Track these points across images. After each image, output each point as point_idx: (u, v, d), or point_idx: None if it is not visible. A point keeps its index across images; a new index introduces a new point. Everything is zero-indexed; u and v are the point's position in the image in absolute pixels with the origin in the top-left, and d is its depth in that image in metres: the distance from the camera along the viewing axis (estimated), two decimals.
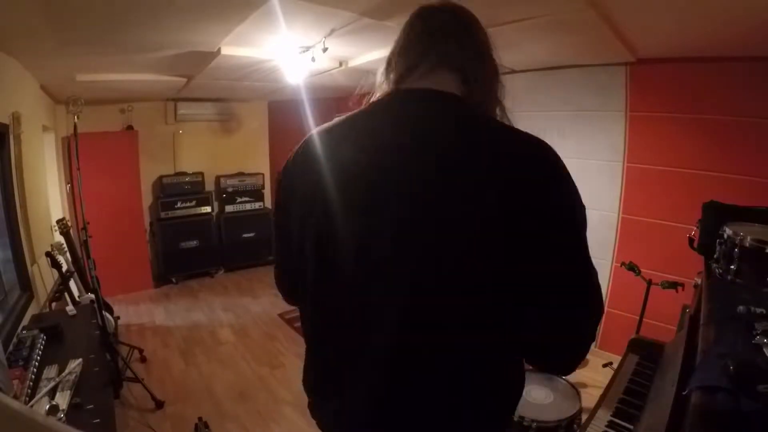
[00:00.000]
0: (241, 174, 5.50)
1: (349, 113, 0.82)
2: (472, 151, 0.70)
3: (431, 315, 0.66)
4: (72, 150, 2.68)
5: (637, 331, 2.44)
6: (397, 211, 0.66)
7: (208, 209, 5.15)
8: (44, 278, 2.77)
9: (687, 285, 2.19)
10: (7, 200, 2.40)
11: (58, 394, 1.39)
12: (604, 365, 2.90)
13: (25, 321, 2.12)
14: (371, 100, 0.85)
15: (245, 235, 5.37)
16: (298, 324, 3.79)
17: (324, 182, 0.72)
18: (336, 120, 0.82)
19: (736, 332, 0.99)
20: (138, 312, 4.17)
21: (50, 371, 1.54)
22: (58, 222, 3.01)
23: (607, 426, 1.35)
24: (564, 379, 2.04)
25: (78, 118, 2.78)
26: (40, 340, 1.77)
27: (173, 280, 4.93)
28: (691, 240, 1.69)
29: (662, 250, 2.77)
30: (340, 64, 3.30)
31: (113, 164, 4.42)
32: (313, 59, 2.61)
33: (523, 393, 2.02)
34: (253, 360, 3.25)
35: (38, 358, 1.64)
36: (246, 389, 2.87)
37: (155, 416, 2.56)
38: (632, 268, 2.52)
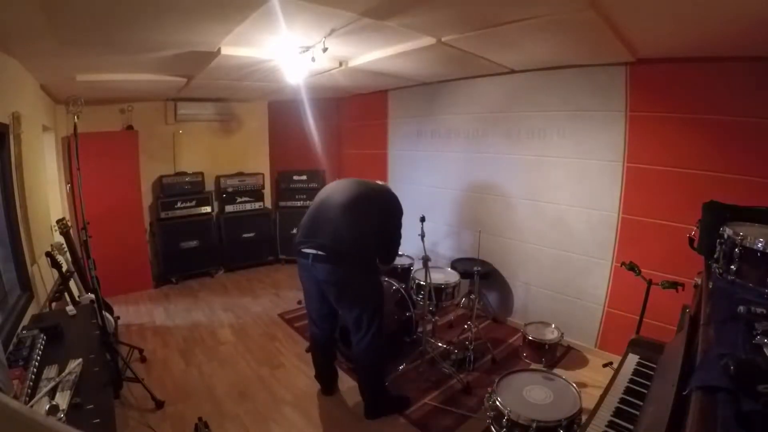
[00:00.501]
0: (241, 174, 5.50)
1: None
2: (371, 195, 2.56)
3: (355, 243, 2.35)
4: (72, 150, 2.68)
5: (637, 331, 2.45)
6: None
7: (208, 209, 5.15)
8: (44, 278, 2.78)
9: (687, 285, 2.19)
10: (7, 200, 2.40)
11: (58, 394, 1.39)
12: (604, 365, 2.90)
13: (25, 321, 2.12)
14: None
15: (245, 235, 5.38)
16: (298, 324, 3.79)
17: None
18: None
19: (737, 332, 0.99)
20: (138, 312, 4.17)
21: (50, 371, 1.54)
22: (58, 222, 3.01)
23: (607, 426, 1.35)
24: (564, 379, 2.04)
25: (78, 118, 2.78)
26: (40, 340, 1.77)
27: (173, 280, 4.93)
28: (691, 240, 1.69)
29: (662, 250, 2.77)
30: (340, 64, 3.30)
31: (113, 164, 4.42)
32: (313, 59, 2.61)
33: (523, 393, 2.02)
34: (253, 360, 3.25)
35: (38, 358, 1.64)
36: (246, 389, 2.87)
37: (155, 416, 2.56)
38: (632, 268, 2.52)
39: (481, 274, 3.13)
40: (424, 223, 2.92)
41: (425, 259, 2.92)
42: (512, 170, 3.69)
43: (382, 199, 2.57)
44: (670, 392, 1.06)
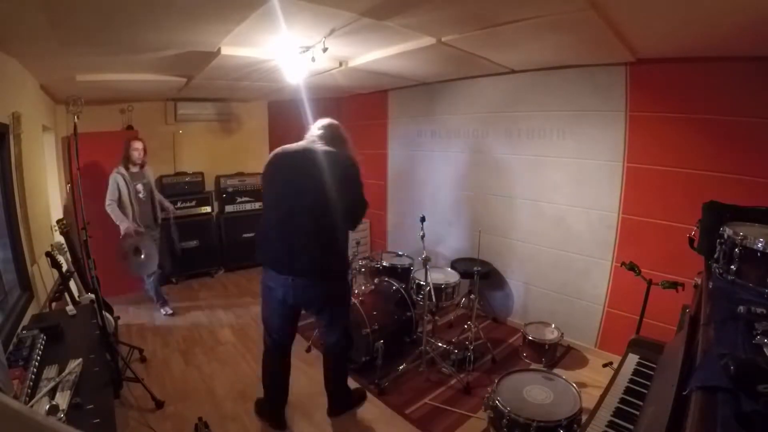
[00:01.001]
0: (241, 174, 5.50)
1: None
2: (328, 163, 2.21)
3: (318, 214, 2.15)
4: (72, 150, 2.68)
5: (637, 331, 2.45)
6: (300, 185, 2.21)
7: (208, 209, 5.15)
8: (44, 278, 2.78)
9: (687, 285, 2.19)
10: (7, 200, 2.40)
11: (58, 394, 1.39)
12: (604, 365, 2.90)
13: (25, 321, 2.12)
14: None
15: (245, 235, 5.37)
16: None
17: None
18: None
19: (737, 332, 0.99)
20: (138, 312, 4.17)
21: (50, 371, 1.54)
22: (58, 222, 3.00)
23: (607, 426, 1.35)
24: (564, 379, 2.04)
25: (78, 118, 2.78)
26: (40, 340, 1.77)
27: (173, 280, 4.93)
28: (691, 240, 1.69)
29: (662, 250, 2.77)
30: (340, 64, 3.30)
31: (113, 164, 4.40)
32: (313, 59, 2.61)
33: (523, 393, 2.02)
34: (253, 360, 3.24)
35: (38, 358, 1.64)
36: (246, 389, 2.86)
37: (155, 416, 2.56)
38: (632, 268, 2.52)
39: (481, 274, 3.13)
40: (424, 223, 2.91)
41: (425, 259, 2.92)
42: (512, 170, 3.69)
43: (340, 177, 2.19)
44: (670, 392, 1.06)
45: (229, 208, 5.37)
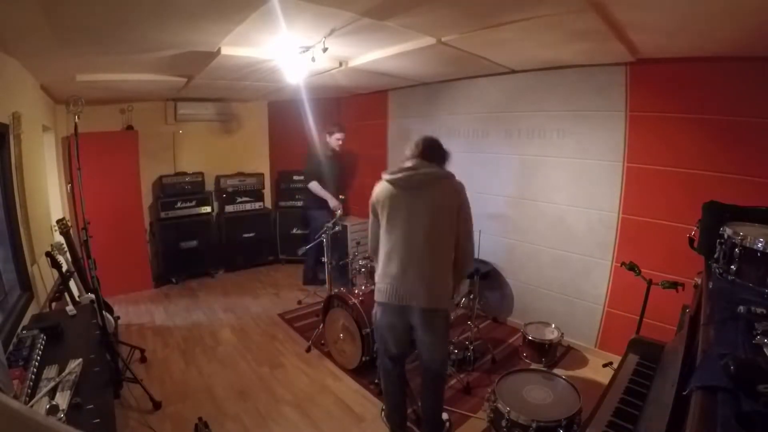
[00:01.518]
0: (241, 174, 5.50)
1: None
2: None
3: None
4: (72, 150, 2.68)
5: (637, 331, 2.45)
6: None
7: (208, 209, 5.15)
8: (44, 278, 2.78)
9: (687, 285, 2.19)
10: (7, 200, 2.40)
11: (58, 394, 1.39)
12: (604, 365, 2.90)
13: (25, 321, 2.12)
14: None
15: (245, 235, 5.38)
16: (297, 324, 3.80)
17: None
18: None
19: (737, 332, 0.99)
20: (138, 312, 4.17)
21: (50, 371, 1.54)
22: (58, 222, 3.00)
23: (607, 426, 1.35)
24: (564, 379, 2.04)
25: (78, 118, 2.78)
26: (40, 340, 1.77)
27: (173, 280, 4.93)
28: (691, 240, 1.69)
29: (662, 250, 2.77)
30: (340, 64, 3.30)
31: (113, 164, 4.42)
32: (313, 59, 2.61)
33: (523, 393, 2.02)
34: (253, 360, 3.25)
35: (38, 358, 1.64)
36: (246, 389, 2.87)
37: (155, 416, 2.56)
38: (632, 268, 2.52)
39: (481, 274, 3.12)
40: None
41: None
42: (512, 170, 3.69)
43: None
44: (670, 392, 1.06)
45: (229, 208, 5.37)
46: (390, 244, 2.12)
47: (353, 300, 2.95)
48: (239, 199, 5.43)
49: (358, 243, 4.84)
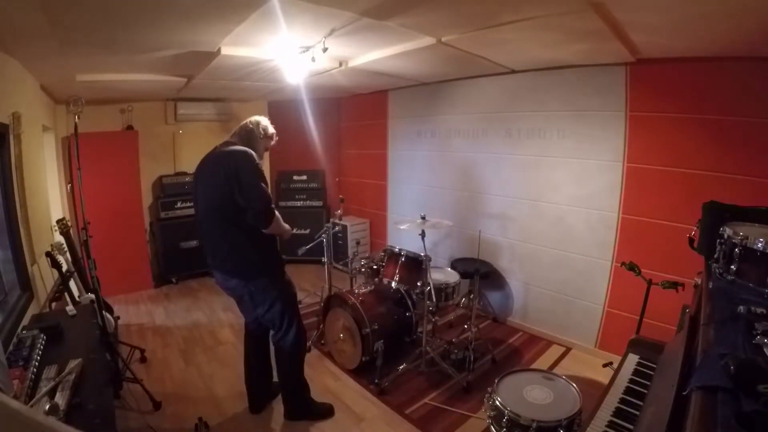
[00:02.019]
0: None
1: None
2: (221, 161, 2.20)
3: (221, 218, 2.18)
4: (72, 150, 2.68)
5: (637, 331, 2.45)
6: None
7: None
8: (44, 278, 2.77)
9: (687, 285, 2.19)
10: (7, 200, 2.40)
11: (58, 394, 1.39)
12: (604, 365, 2.90)
13: (25, 321, 2.12)
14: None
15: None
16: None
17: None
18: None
19: (737, 332, 0.99)
20: (138, 312, 4.17)
21: (50, 371, 1.54)
22: (58, 222, 3.00)
23: (607, 426, 1.35)
24: (564, 379, 2.04)
25: (78, 118, 2.78)
26: (40, 340, 1.77)
27: (173, 280, 4.93)
28: (691, 240, 1.69)
29: (662, 250, 2.77)
30: (340, 64, 3.30)
31: (113, 164, 4.43)
32: (313, 59, 2.61)
33: (523, 393, 2.01)
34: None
35: (38, 358, 1.63)
36: (246, 389, 2.86)
37: (155, 416, 2.56)
38: (632, 268, 2.52)
39: (481, 274, 3.13)
40: (425, 223, 2.91)
41: (425, 259, 2.92)
42: (512, 170, 3.69)
43: (228, 169, 2.14)
44: (670, 392, 1.06)
45: None
46: None
47: (353, 300, 2.95)
48: None
49: (358, 243, 4.83)
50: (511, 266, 3.81)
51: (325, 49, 2.44)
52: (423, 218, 2.93)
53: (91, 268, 2.70)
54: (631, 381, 1.56)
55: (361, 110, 5.45)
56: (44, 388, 1.41)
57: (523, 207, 3.64)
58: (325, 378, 3.01)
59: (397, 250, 3.12)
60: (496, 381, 2.01)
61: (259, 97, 5.46)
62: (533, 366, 3.05)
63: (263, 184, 2.16)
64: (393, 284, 3.04)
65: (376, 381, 2.82)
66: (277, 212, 2.22)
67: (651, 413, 1.20)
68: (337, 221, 5.13)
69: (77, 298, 2.68)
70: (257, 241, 2.21)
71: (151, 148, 4.87)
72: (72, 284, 2.72)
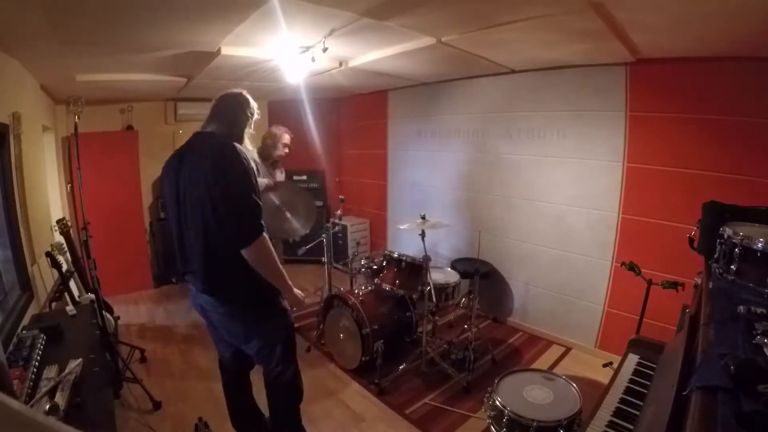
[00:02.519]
0: None
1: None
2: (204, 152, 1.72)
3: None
4: (72, 150, 2.68)
5: (637, 331, 2.45)
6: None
7: None
8: (44, 278, 2.77)
9: (687, 285, 2.19)
10: (7, 200, 2.40)
11: (58, 394, 1.39)
12: (604, 365, 2.90)
13: (25, 321, 2.12)
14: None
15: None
16: (297, 324, 3.78)
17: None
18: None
19: (737, 332, 0.99)
20: (138, 312, 4.17)
21: (50, 371, 1.54)
22: (58, 222, 3.00)
23: (607, 426, 1.35)
24: (564, 379, 2.04)
25: (78, 118, 2.78)
26: (40, 340, 1.77)
27: (173, 280, 4.93)
28: (691, 240, 1.69)
29: (662, 250, 2.77)
30: (340, 64, 3.30)
31: (113, 164, 4.42)
32: (313, 59, 2.61)
33: (523, 393, 2.01)
34: None
35: (38, 358, 1.64)
36: None
37: (155, 416, 2.56)
38: (632, 268, 2.52)
39: (481, 274, 3.12)
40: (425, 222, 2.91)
41: (425, 259, 2.92)
42: (512, 170, 3.69)
43: (214, 168, 1.64)
44: (670, 392, 1.06)
45: None
46: None
47: (353, 300, 2.95)
48: None
49: (358, 243, 4.84)
50: (511, 266, 3.81)
51: (325, 49, 2.44)
52: (423, 218, 2.93)
53: (91, 268, 2.70)
54: (631, 381, 1.56)
55: (361, 110, 5.45)
56: (44, 388, 1.41)
57: (523, 207, 3.64)
58: (325, 378, 3.01)
59: (396, 255, 3.10)
60: (496, 381, 2.01)
61: (259, 97, 5.44)
62: (533, 366, 3.05)
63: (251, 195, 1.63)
64: (393, 289, 3.03)
65: (376, 381, 2.82)
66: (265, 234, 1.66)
67: (651, 413, 1.20)
68: (336, 221, 5.13)
69: (77, 298, 2.68)
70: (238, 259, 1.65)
71: (151, 148, 4.86)
72: (72, 284, 2.72)
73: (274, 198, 2.99)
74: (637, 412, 1.37)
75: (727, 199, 1.63)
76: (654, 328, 2.54)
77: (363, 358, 2.92)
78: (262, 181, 2.73)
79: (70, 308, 2.29)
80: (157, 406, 2.62)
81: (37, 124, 3.25)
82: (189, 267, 1.83)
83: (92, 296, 2.68)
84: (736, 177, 2.49)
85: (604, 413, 1.40)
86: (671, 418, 0.98)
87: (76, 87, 3.26)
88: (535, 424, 1.75)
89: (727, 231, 1.32)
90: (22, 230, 2.47)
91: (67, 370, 1.52)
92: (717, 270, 1.33)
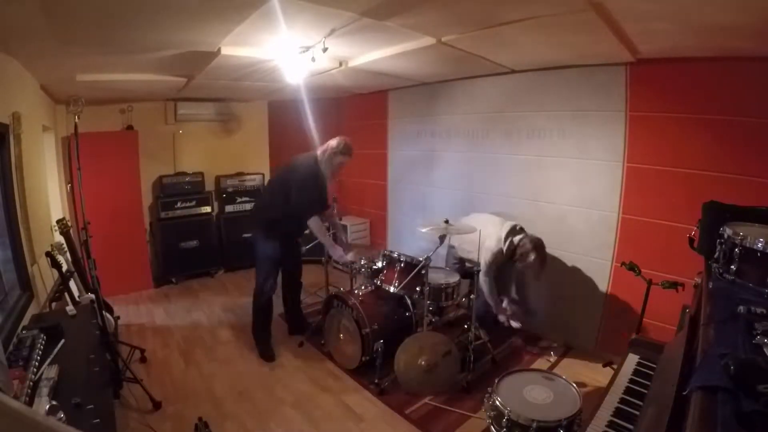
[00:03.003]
0: (241, 174, 5.50)
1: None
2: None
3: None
4: (72, 150, 2.68)
5: (637, 331, 2.45)
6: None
7: (208, 209, 5.15)
8: (44, 278, 2.77)
9: (687, 285, 2.19)
10: (7, 200, 2.40)
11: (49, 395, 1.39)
12: (604, 365, 2.90)
13: (25, 321, 2.12)
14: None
15: (245, 235, 5.35)
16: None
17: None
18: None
19: (737, 332, 0.99)
20: (138, 312, 4.17)
21: (50, 371, 1.54)
22: (58, 222, 3.00)
23: (607, 426, 1.35)
24: (564, 379, 2.04)
25: (78, 118, 2.78)
26: (40, 340, 1.77)
27: (173, 280, 4.93)
28: (691, 240, 1.69)
29: (662, 250, 2.77)
30: (340, 64, 3.30)
31: (113, 164, 4.42)
32: (313, 59, 2.61)
33: (523, 393, 2.01)
34: (253, 360, 3.25)
35: (38, 358, 1.64)
36: (246, 389, 2.87)
37: (155, 416, 2.56)
38: (632, 268, 2.52)
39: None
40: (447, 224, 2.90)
41: (425, 259, 2.92)
42: (512, 170, 3.69)
43: (286, 177, 3.20)
44: (670, 392, 1.06)
45: (229, 208, 5.37)
46: None
47: (353, 300, 2.95)
48: (239, 199, 5.43)
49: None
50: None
51: (325, 49, 2.44)
52: (447, 222, 2.88)
53: (91, 268, 2.70)
54: (631, 381, 1.56)
55: (361, 110, 5.45)
56: (44, 388, 1.42)
57: (523, 207, 3.64)
58: (325, 378, 3.01)
59: (395, 255, 3.10)
60: (496, 381, 2.01)
61: (259, 97, 5.46)
62: (533, 366, 3.04)
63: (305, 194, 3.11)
64: (392, 289, 3.03)
65: (376, 381, 2.82)
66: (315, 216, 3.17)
67: (651, 413, 1.20)
68: (336, 221, 5.12)
69: (77, 298, 2.68)
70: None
71: (151, 148, 4.87)
72: (72, 284, 2.72)
73: None
74: (637, 412, 1.37)
75: (727, 199, 1.63)
76: (654, 328, 2.55)
77: (363, 358, 2.92)
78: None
79: (70, 308, 2.29)
80: (157, 406, 2.62)
81: (37, 124, 3.25)
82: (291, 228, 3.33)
83: (92, 296, 2.68)
84: (736, 177, 2.49)
85: (604, 413, 1.41)
86: (671, 418, 0.98)
87: (76, 87, 3.26)
88: (535, 424, 1.75)
89: (727, 231, 1.32)
90: (22, 230, 2.47)
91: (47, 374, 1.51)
92: (717, 270, 1.33)
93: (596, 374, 2.93)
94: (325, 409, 2.67)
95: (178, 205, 4.94)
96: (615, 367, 1.73)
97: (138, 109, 4.72)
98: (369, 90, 4.97)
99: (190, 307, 4.29)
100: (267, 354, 3.27)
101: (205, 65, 2.99)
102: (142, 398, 2.64)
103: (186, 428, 2.38)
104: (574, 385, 1.99)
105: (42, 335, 1.82)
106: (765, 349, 0.89)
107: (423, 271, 2.86)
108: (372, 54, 2.98)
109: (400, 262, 3.06)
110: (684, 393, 0.91)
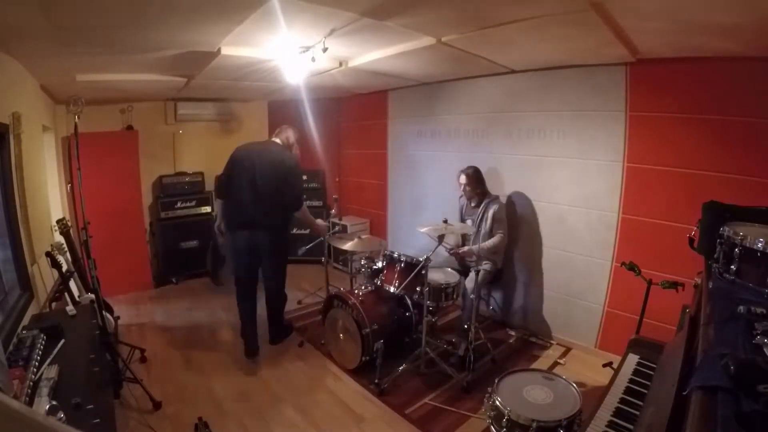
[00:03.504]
0: None
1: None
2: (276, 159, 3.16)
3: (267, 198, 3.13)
4: (72, 150, 2.68)
5: (637, 331, 2.45)
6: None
7: (208, 209, 5.14)
8: (44, 278, 2.77)
9: (687, 285, 2.19)
10: (7, 200, 2.40)
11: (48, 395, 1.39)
12: (604, 365, 2.90)
13: (25, 321, 2.12)
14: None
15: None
16: (298, 324, 3.79)
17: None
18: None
19: (737, 332, 0.99)
20: (138, 312, 4.17)
21: (50, 371, 1.54)
22: (58, 222, 3.00)
23: (607, 426, 1.35)
24: (564, 379, 2.04)
25: (78, 118, 2.78)
26: (40, 340, 1.77)
27: (173, 280, 4.93)
28: (691, 240, 1.69)
29: (662, 250, 2.77)
30: (340, 64, 3.30)
31: (113, 164, 4.42)
32: (313, 59, 2.61)
33: (523, 393, 2.01)
34: (253, 360, 3.25)
35: (38, 358, 1.63)
36: (246, 389, 2.87)
37: (155, 416, 2.56)
38: (632, 268, 2.52)
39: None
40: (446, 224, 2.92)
41: (425, 259, 2.92)
42: (512, 170, 3.69)
43: (284, 169, 3.14)
44: (670, 392, 1.06)
45: None
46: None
47: (353, 300, 2.96)
48: None
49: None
50: (511, 266, 3.80)
51: (325, 49, 2.44)
52: (446, 222, 2.90)
53: (91, 268, 2.69)
54: (631, 381, 1.56)
55: (361, 110, 5.45)
56: (44, 388, 1.41)
57: (523, 207, 3.64)
58: (325, 378, 3.01)
59: (395, 255, 3.10)
60: (496, 381, 2.01)
61: (259, 97, 5.46)
62: (533, 366, 3.05)
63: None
64: (393, 290, 3.03)
65: (376, 381, 2.82)
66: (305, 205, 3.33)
67: (651, 413, 1.20)
68: (336, 221, 5.13)
69: (77, 298, 2.68)
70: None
71: (151, 148, 4.87)
72: (72, 284, 2.72)
73: None
74: (637, 412, 1.37)
75: (727, 199, 1.63)
76: (654, 328, 2.54)
77: (363, 358, 2.92)
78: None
79: (70, 308, 2.29)
80: (157, 406, 2.62)
81: (37, 124, 3.25)
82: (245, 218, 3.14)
83: (92, 296, 2.68)
84: (736, 177, 2.49)
85: (604, 413, 1.40)
86: (671, 418, 0.98)
87: (76, 87, 3.26)
88: (535, 424, 1.75)
89: (727, 231, 1.32)
90: (22, 230, 2.47)
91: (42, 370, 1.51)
92: (717, 270, 1.33)
93: (596, 374, 2.93)
94: (325, 409, 2.67)
95: (178, 205, 4.93)
96: (615, 367, 1.73)
97: (138, 109, 4.72)
98: (369, 90, 4.97)
99: (190, 307, 4.28)
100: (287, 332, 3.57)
101: (205, 65, 2.99)
102: (142, 398, 2.64)
103: (186, 428, 2.38)
104: (574, 385, 1.99)
105: (42, 335, 1.82)
106: (765, 349, 0.89)
107: (423, 271, 2.86)
108: (372, 54, 2.98)
109: (400, 262, 3.06)
110: (684, 393, 0.91)
